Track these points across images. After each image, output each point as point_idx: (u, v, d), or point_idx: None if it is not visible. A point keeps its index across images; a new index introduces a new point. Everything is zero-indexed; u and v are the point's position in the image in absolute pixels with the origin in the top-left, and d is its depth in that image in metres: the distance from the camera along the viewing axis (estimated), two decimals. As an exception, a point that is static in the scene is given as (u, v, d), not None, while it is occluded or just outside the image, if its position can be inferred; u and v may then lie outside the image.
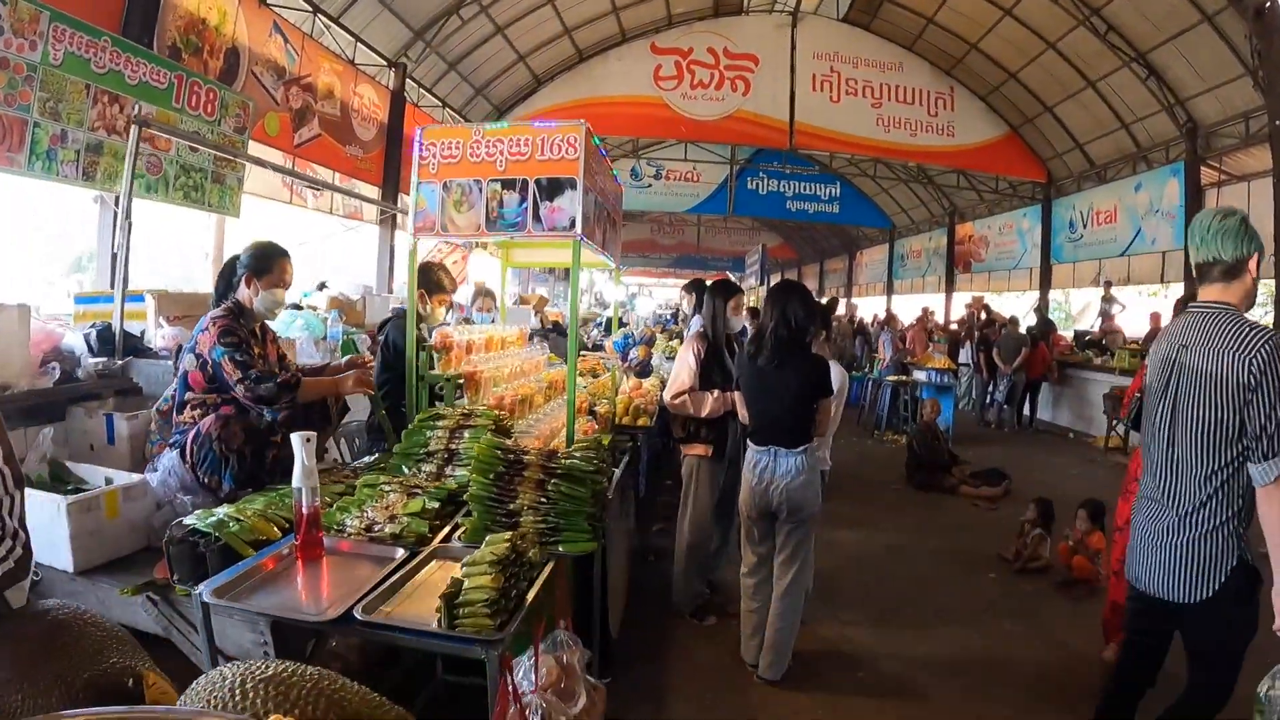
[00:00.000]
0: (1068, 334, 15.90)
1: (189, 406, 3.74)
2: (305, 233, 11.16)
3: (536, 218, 3.87)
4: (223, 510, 2.94)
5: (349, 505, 3.11)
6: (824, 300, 13.19)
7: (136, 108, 5.98)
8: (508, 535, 2.59)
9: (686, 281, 8.93)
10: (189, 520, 2.83)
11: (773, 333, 4.28)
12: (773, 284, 4.61)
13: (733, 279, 5.28)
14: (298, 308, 7.46)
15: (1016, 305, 18.99)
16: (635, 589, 5.28)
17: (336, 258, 12.91)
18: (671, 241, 31.65)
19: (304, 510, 2.72)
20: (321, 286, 8.85)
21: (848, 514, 7.60)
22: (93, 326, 5.13)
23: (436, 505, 3.10)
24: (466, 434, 3.59)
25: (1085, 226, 16.44)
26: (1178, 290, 14.02)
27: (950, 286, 22.34)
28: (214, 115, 7.40)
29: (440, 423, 3.69)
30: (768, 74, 16.19)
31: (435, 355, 4.24)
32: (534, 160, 3.89)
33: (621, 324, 11.13)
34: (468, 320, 7.17)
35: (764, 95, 16.18)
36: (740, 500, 4.48)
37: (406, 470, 3.53)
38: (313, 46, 10.60)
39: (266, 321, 4.13)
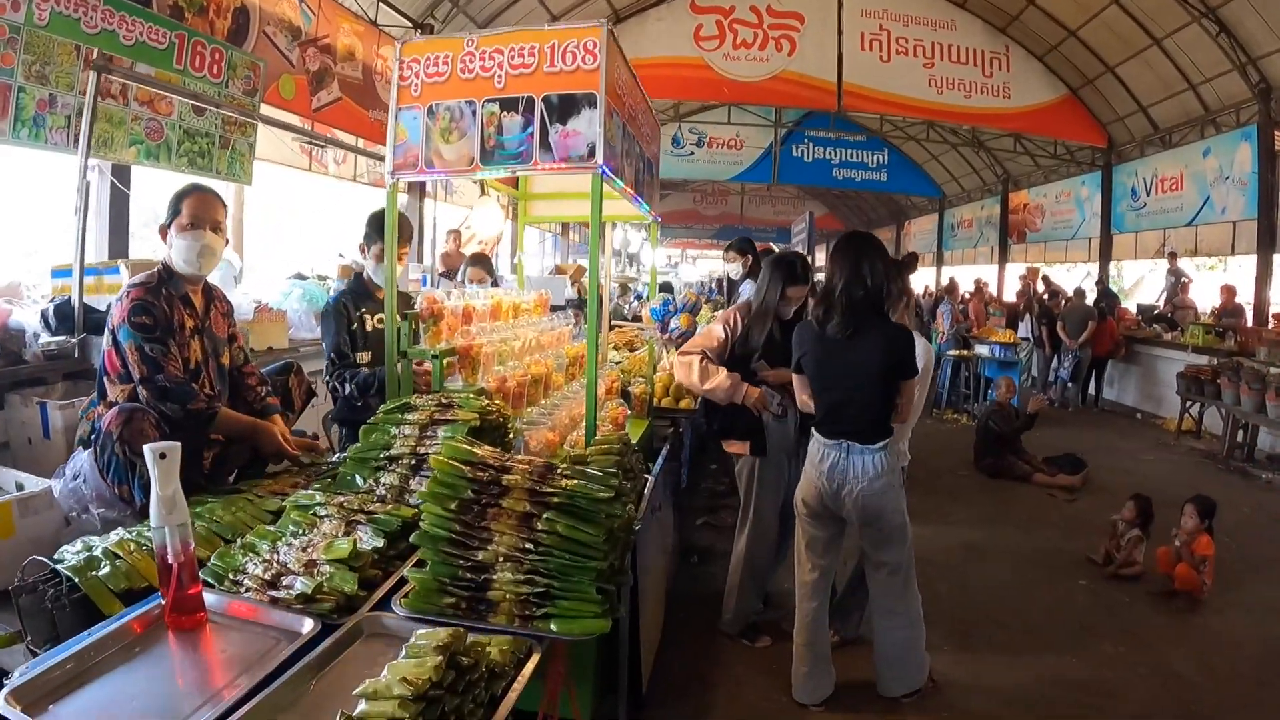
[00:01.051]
0: (1128, 308, 15.15)
1: (109, 396, 3.13)
2: (327, 201, 10.63)
3: (545, 146, 3.13)
4: (115, 535, 2.31)
5: (262, 540, 2.27)
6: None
7: (94, 51, 5.50)
8: (445, 636, 1.69)
9: (732, 240, 7.33)
10: (66, 550, 2.21)
11: (844, 293, 3.47)
12: (841, 238, 3.74)
13: (799, 256, 4.40)
14: (302, 277, 6.88)
15: (1067, 279, 18.17)
16: (674, 599, 4.65)
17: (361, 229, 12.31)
18: (714, 212, 30.73)
19: (169, 559, 1.95)
20: (341, 258, 8.31)
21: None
22: (53, 301, 4.60)
23: (380, 544, 2.22)
24: (442, 432, 2.70)
25: (1149, 194, 15.56)
26: (1244, 263, 13.31)
27: (1004, 257, 21.40)
28: (220, 77, 6.83)
29: (410, 416, 2.82)
30: (814, 33, 15.25)
31: (423, 326, 3.47)
32: (541, 73, 3.12)
33: (663, 289, 10.31)
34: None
35: (810, 55, 15.26)
36: (799, 499, 3.77)
37: (361, 482, 2.69)
38: (330, 6, 9.99)
39: (219, 288, 3.56)
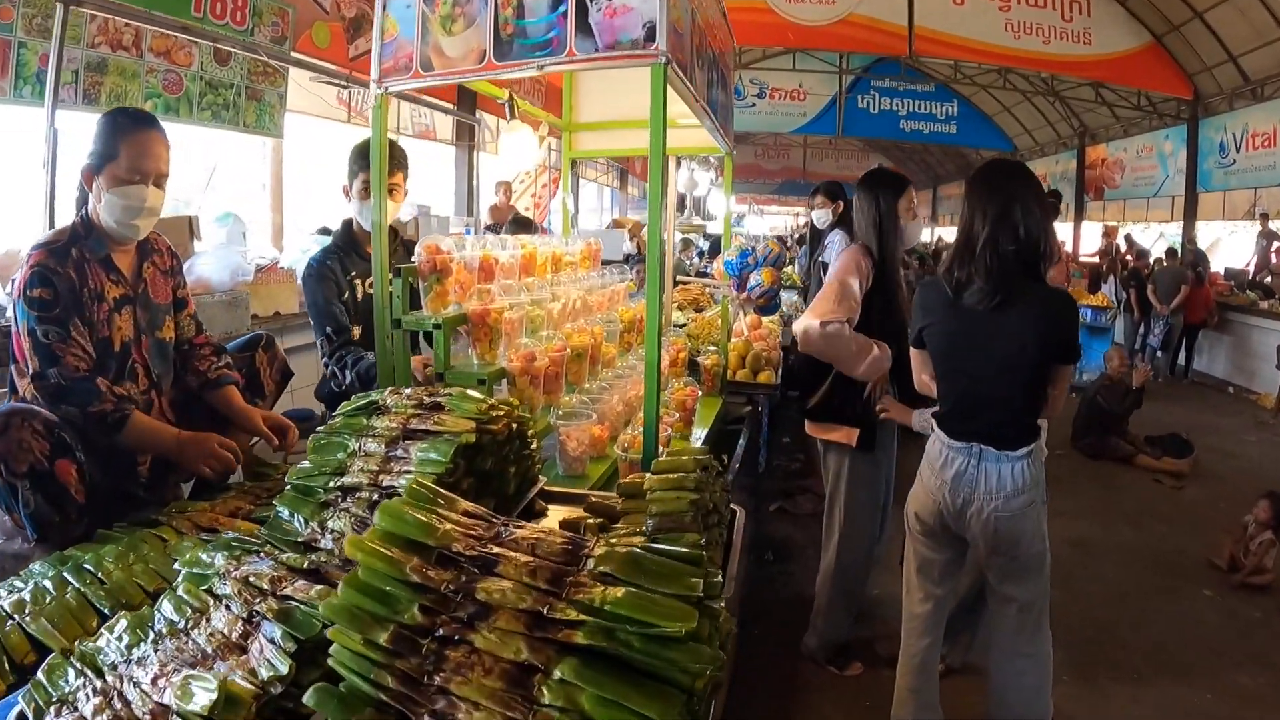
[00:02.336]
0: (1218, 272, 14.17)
1: (19, 392, 2.44)
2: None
3: (584, 28, 2.27)
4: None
5: (112, 643, 1.43)
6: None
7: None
8: None
9: (820, 184, 6.37)
10: None
11: (989, 247, 2.65)
12: (982, 169, 2.93)
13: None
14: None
15: (1144, 238, 17.22)
16: (746, 607, 4.08)
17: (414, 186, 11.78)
18: (776, 166, 29.63)
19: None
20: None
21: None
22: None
23: (282, 669, 1.25)
24: (417, 451, 1.78)
25: (1238, 150, 14.47)
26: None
27: (1080, 215, 20.22)
28: (244, 25, 6.26)
29: (377, 422, 1.91)
30: (882, -28, 14.30)
31: (424, 286, 2.61)
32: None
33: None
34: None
35: (879, -3, 14.35)
36: (911, 511, 3.03)
37: (301, 524, 1.73)
38: (369, -54, 9.39)
39: (160, 236, 2.71)
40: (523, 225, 5.58)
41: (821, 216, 5.96)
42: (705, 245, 14.55)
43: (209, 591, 1.50)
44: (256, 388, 2.93)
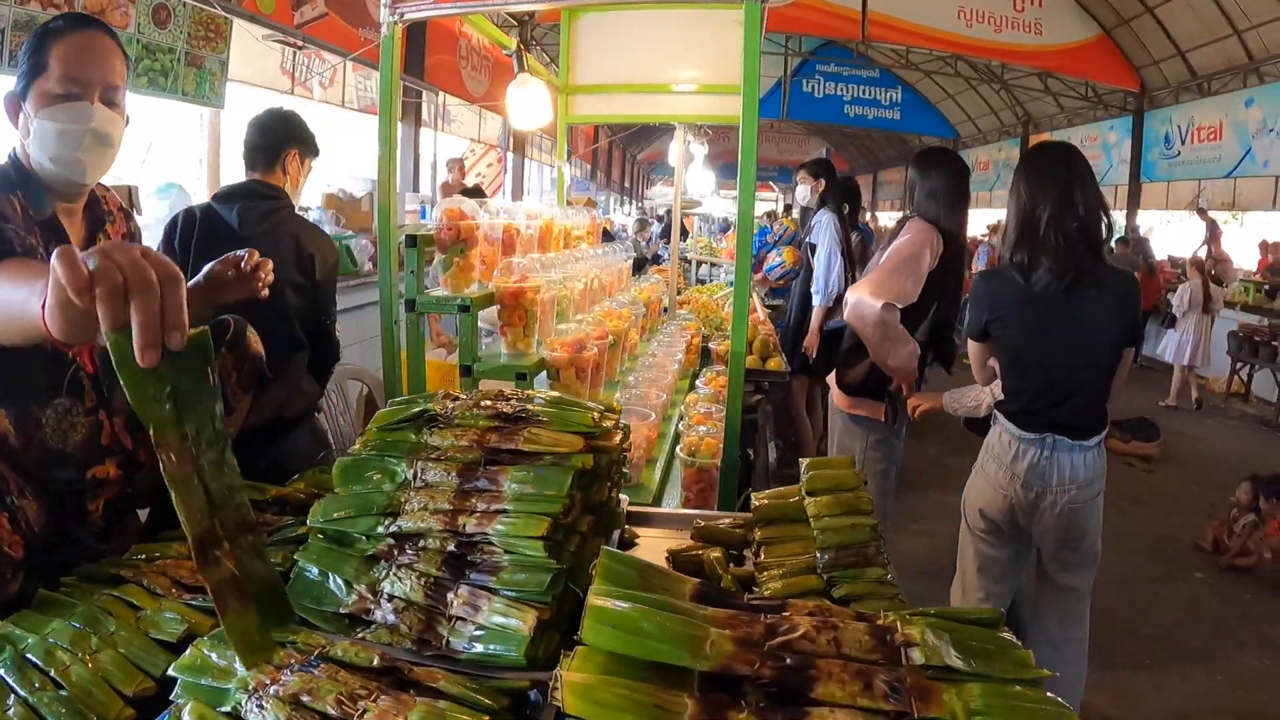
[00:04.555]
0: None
1: None
2: (313, 129, 9.57)
3: None
4: None
5: None
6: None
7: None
8: None
9: (807, 160, 6.11)
10: None
11: (1052, 226, 2.53)
12: (1035, 151, 2.88)
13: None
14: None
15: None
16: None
17: (353, 161, 11.28)
18: (715, 150, 29.44)
19: None
20: (327, 186, 7.39)
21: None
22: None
23: None
24: (510, 483, 1.26)
25: (1183, 143, 14.75)
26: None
27: (1024, 201, 20.41)
28: (181, -15, 5.82)
29: (435, 439, 1.37)
30: (837, -44, 14.20)
31: (441, 261, 2.24)
32: None
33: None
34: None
35: (835, -20, 14.23)
36: (975, 508, 2.85)
37: (342, 591, 1.25)
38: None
39: (112, 194, 1.94)
40: (474, 194, 5.15)
41: (804, 193, 5.69)
42: (658, 228, 14.26)
43: (236, 714, 1.01)
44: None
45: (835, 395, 3.50)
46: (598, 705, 0.83)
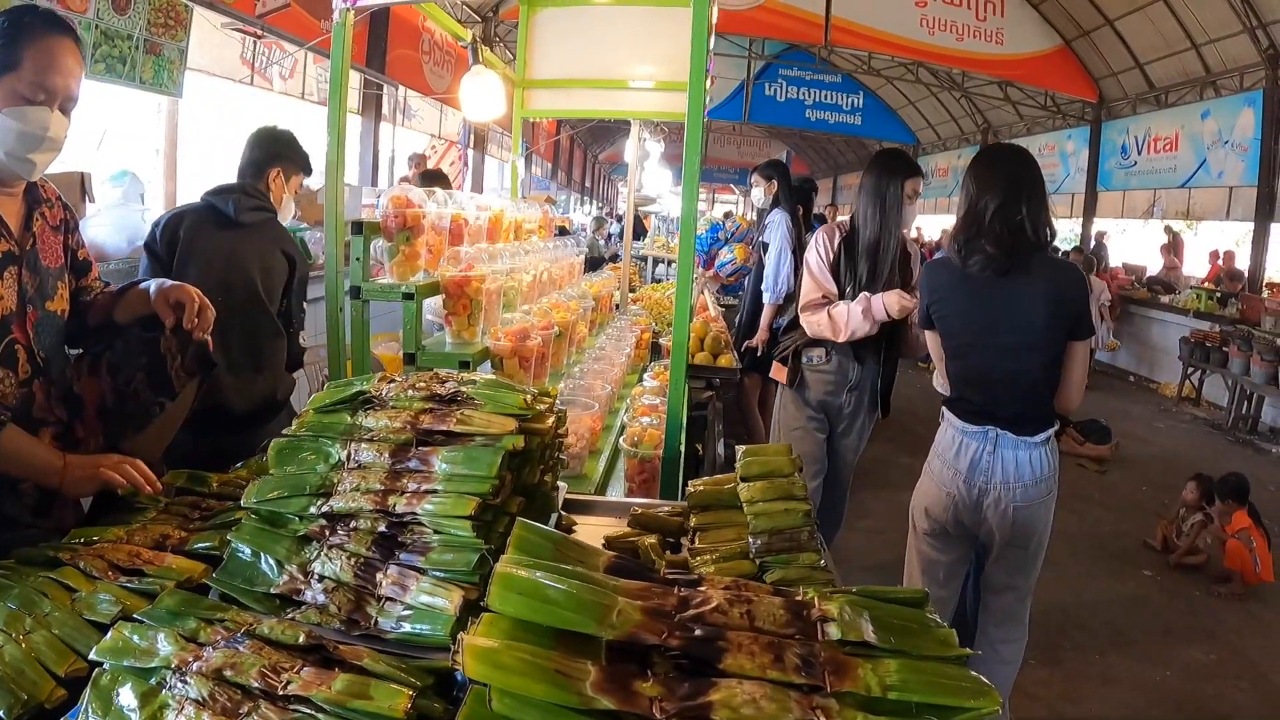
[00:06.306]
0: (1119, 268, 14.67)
1: None
2: (272, 121, 9.43)
3: None
4: None
5: None
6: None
7: None
8: None
9: (760, 164, 6.11)
10: None
11: (998, 217, 2.54)
12: (986, 151, 2.97)
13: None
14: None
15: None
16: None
17: (312, 155, 11.11)
18: (674, 149, 29.30)
19: None
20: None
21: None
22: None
23: None
24: (440, 462, 1.29)
25: (1140, 153, 14.96)
26: (1225, 228, 13.27)
27: (980, 207, 20.67)
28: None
29: (369, 420, 1.40)
30: (802, -38, 14.30)
31: (388, 249, 2.26)
32: None
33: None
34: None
35: (798, -15, 14.33)
36: (920, 507, 2.86)
37: (273, 571, 1.27)
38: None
39: (48, 183, 1.94)
40: (434, 179, 5.05)
41: (758, 195, 5.76)
42: (617, 228, 14.25)
43: (160, 688, 1.01)
44: (161, 383, 1.98)
45: (774, 368, 3.71)
46: (498, 669, 0.83)
